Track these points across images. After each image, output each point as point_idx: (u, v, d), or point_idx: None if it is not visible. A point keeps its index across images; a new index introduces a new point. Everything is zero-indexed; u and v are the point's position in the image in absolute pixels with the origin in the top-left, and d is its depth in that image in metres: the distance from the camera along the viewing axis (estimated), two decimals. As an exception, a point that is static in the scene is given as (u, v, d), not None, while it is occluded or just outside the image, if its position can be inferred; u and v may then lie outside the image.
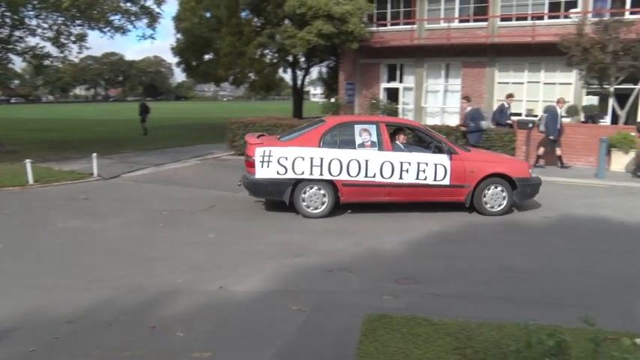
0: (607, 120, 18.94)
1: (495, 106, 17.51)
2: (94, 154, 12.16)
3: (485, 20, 20.70)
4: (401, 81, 23.16)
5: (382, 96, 23.22)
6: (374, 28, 22.42)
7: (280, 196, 8.50)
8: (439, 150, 8.78)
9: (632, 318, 4.81)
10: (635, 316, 4.88)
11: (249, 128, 15.81)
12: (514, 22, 20.34)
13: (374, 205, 8.87)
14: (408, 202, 8.84)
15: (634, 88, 16.13)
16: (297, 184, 8.43)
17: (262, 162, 8.33)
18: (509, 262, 6.35)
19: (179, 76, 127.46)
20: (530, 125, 14.46)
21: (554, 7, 19.77)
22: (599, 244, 7.26)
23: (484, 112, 13.26)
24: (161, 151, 17.34)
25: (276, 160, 8.31)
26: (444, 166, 8.55)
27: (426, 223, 8.16)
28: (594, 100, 19.19)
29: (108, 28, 18.69)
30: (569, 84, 19.41)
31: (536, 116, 17.31)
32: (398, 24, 22.49)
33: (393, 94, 23.30)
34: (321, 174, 8.35)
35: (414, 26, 21.98)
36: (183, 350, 4.05)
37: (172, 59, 31.27)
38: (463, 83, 21.53)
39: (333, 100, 23.55)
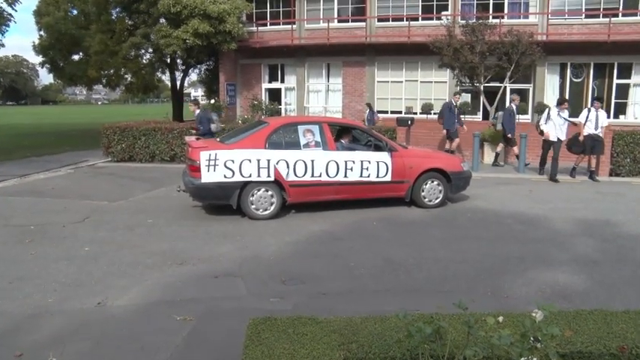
0: (479, 116, 20.42)
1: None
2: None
3: (364, 21, 21.46)
4: (282, 81, 23.40)
5: (264, 97, 23.34)
6: (253, 28, 22.46)
7: (227, 200, 8.51)
8: (379, 148, 9.19)
9: (506, 298, 5.23)
10: (509, 296, 5.31)
11: (125, 133, 15.20)
12: (391, 23, 21.30)
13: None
14: (354, 200, 9.21)
15: (500, 86, 17.52)
16: (245, 186, 8.46)
17: (208, 166, 8.29)
18: (393, 255, 6.64)
19: (45, 77, 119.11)
20: (410, 122, 15.17)
21: (427, 9, 20.94)
22: (475, 233, 7.81)
23: (213, 115, 13.19)
24: (27, 160, 16.14)
25: (222, 163, 8.31)
26: (386, 164, 8.99)
27: (313, 223, 8.32)
28: (467, 98, 20.58)
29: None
30: (444, 82, 20.67)
31: (415, 114, 18.20)
32: (278, 24, 22.69)
33: (275, 95, 23.49)
34: (269, 175, 8.42)
35: (294, 26, 22.28)
36: (57, 375, 3.80)
37: (35, 59, 29.08)
38: (344, 82, 22.18)
39: (213, 101, 23.21)
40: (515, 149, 14.42)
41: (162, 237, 7.50)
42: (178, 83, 30.38)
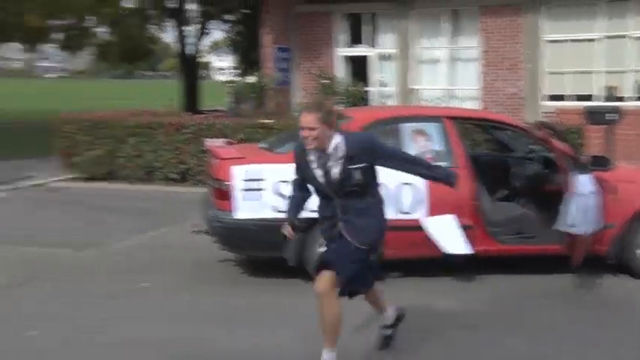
0: None
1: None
2: None
3: None
4: (373, 44, 23.25)
5: (339, 71, 23.18)
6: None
7: (278, 251, 8.32)
8: (550, 164, 9.28)
9: None
10: None
11: (99, 132, 15.36)
12: None
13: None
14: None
15: None
16: (311, 229, 8.20)
17: (247, 190, 8.33)
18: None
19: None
20: (612, 117, 14.42)
21: None
22: None
23: None
24: None
25: (271, 187, 8.33)
26: None
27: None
28: None
29: None
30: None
31: (621, 99, 17.51)
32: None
33: (358, 68, 23.35)
34: None
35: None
36: None
37: None
38: (484, 43, 21.73)
39: (253, 78, 23.22)
40: None
41: (166, 315, 7.36)
42: (191, 46, 30.92)
